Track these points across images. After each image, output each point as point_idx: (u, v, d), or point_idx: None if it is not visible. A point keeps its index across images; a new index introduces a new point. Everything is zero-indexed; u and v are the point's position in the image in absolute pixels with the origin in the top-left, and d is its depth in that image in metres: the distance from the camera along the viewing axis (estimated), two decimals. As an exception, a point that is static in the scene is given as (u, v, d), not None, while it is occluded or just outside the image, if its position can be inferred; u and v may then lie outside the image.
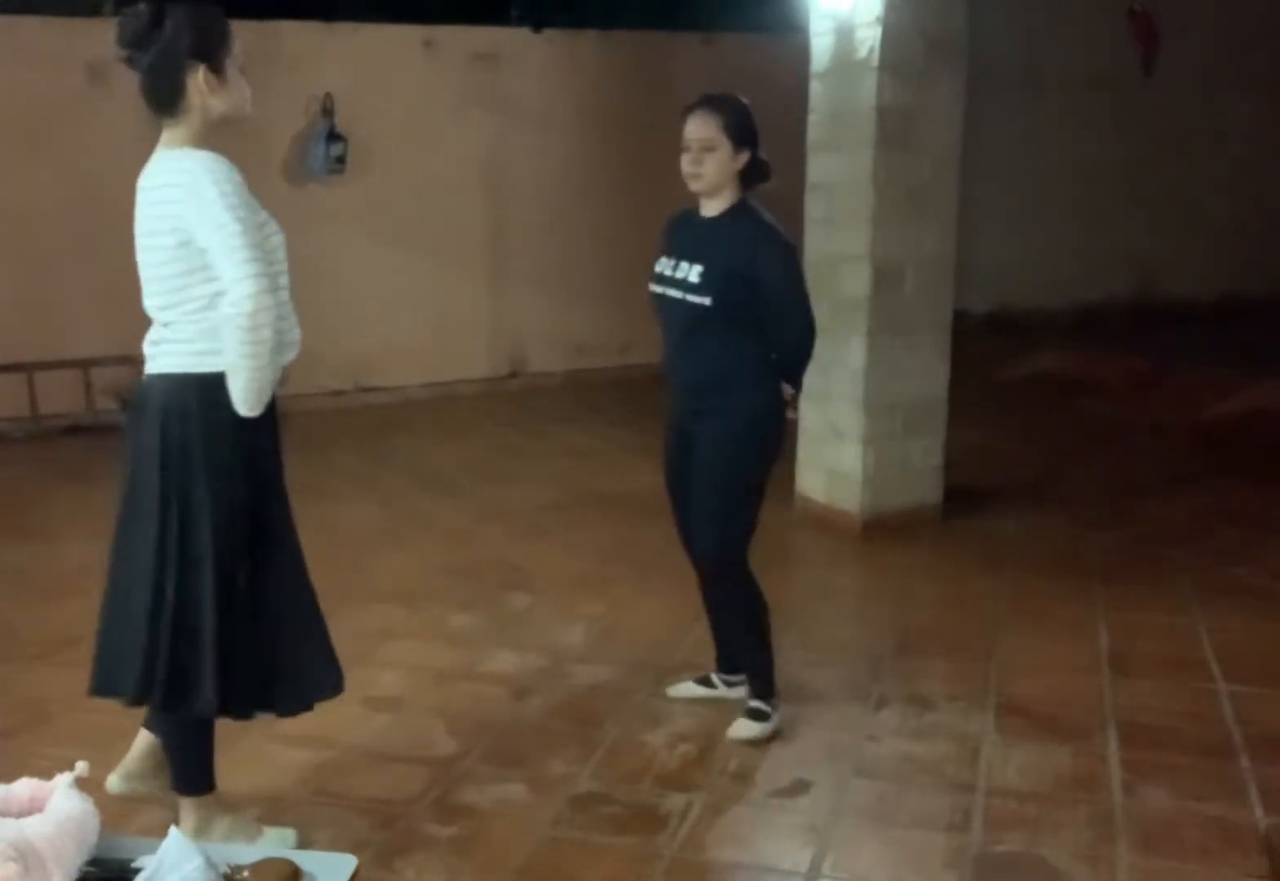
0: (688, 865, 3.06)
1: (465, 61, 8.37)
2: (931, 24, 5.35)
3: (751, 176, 3.50)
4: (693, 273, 3.44)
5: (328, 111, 7.87)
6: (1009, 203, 10.21)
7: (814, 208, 5.68)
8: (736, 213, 3.49)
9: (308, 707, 3.02)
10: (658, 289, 3.55)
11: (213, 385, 2.74)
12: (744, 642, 3.77)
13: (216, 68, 2.74)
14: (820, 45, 5.56)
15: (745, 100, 3.54)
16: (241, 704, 2.91)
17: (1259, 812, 3.27)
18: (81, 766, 1.92)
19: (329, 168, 7.88)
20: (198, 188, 2.66)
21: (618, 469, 6.72)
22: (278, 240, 2.85)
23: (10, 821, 1.79)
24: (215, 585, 2.78)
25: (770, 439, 3.59)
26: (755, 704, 3.72)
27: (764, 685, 3.74)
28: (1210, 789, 3.39)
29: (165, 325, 2.81)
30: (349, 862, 1.98)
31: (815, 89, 5.61)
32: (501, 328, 8.76)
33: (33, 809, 1.86)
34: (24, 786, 1.93)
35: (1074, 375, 8.74)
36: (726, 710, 3.81)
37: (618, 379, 8.73)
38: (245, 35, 2.90)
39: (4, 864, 1.68)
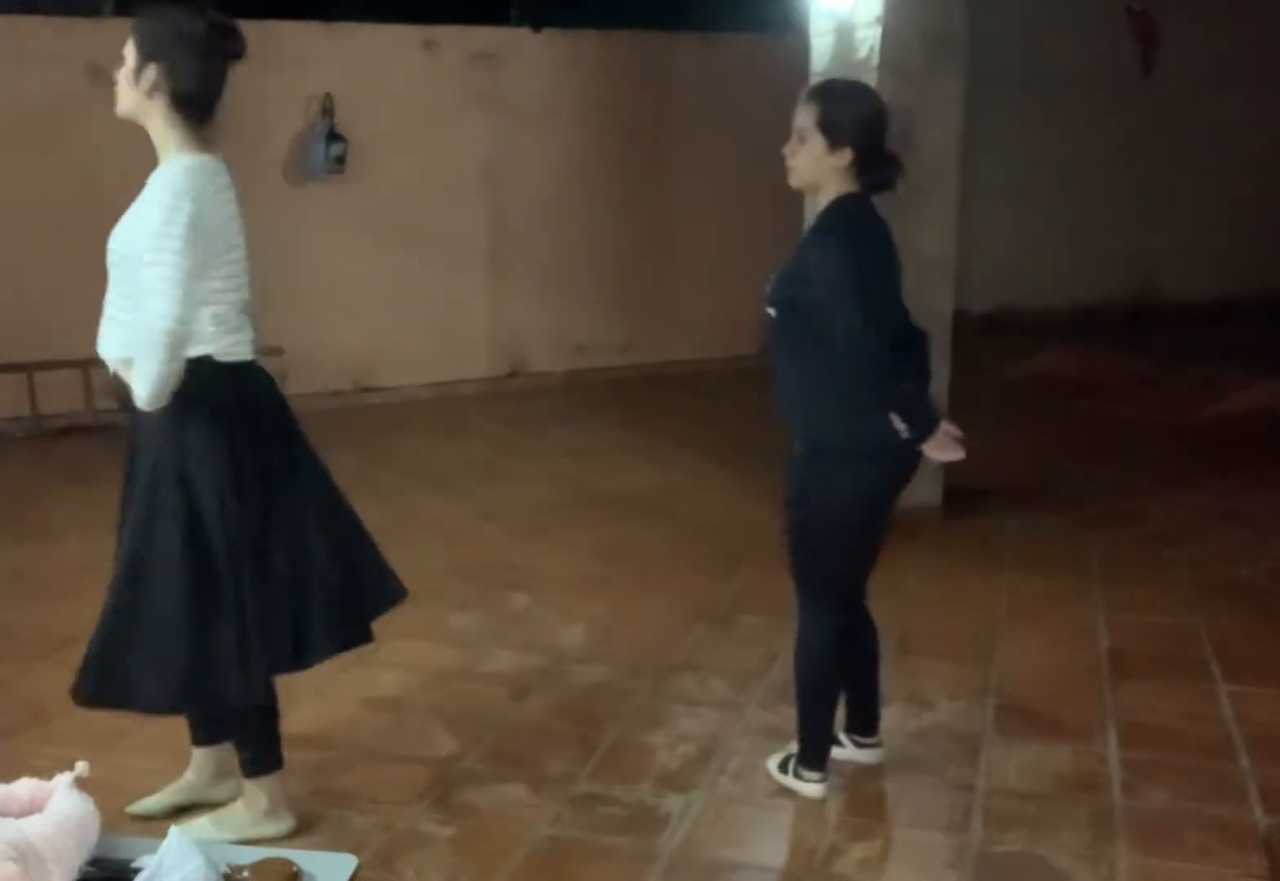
0: (688, 865, 3.06)
1: (465, 61, 8.36)
2: (931, 24, 5.35)
3: (870, 177, 3.08)
4: (771, 281, 3.11)
5: (328, 111, 7.85)
6: (1009, 203, 10.20)
7: (815, 208, 5.66)
8: (822, 214, 3.13)
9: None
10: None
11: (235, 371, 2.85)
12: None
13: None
14: (820, 45, 5.55)
15: (869, 92, 3.21)
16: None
17: (1259, 812, 3.27)
18: (81, 766, 1.92)
19: (329, 168, 7.87)
20: (158, 206, 2.71)
21: (618, 469, 6.71)
22: (240, 253, 2.85)
23: (10, 821, 1.79)
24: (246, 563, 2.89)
25: (836, 483, 3.09)
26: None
27: None
28: (1210, 789, 3.39)
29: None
30: (349, 862, 1.98)
31: (815, 89, 5.61)
32: (501, 328, 8.75)
33: (33, 809, 1.86)
34: (24, 786, 1.92)
35: (1074, 375, 8.73)
36: (729, 711, 3.81)
37: (618, 379, 8.71)
38: (245, 35, 2.91)
39: (4, 864, 1.68)
